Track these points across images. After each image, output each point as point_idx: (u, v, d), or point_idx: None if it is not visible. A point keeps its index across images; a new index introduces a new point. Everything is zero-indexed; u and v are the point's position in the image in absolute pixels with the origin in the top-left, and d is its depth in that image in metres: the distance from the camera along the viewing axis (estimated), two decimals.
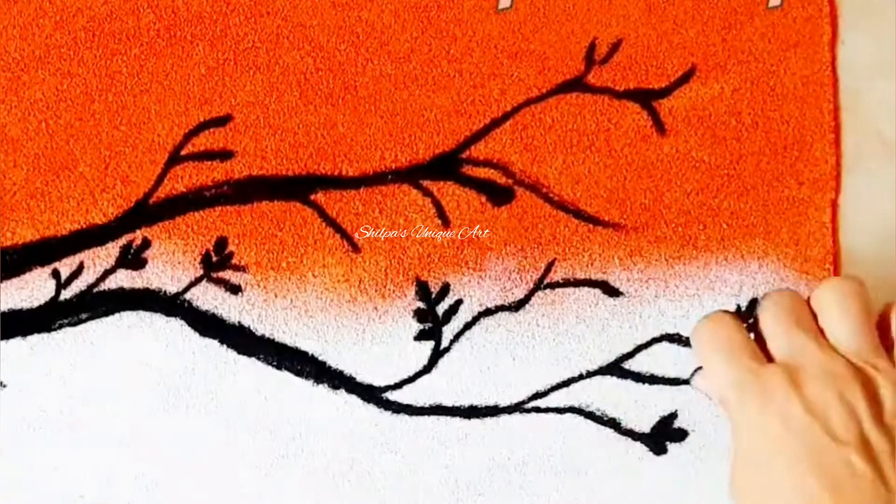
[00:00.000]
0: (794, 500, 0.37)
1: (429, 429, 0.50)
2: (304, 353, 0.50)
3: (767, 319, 0.44)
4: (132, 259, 0.50)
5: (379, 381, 0.50)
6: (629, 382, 0.51)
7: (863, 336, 0.42)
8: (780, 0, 0.52)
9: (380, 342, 0.50)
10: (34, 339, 0.49)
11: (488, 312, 0.51)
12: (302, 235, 0.50)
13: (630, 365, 0.51)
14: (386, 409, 0.50)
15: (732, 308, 0.51)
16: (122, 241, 0.50)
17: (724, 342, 0.44)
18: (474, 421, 0.50)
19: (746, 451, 0.41)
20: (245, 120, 0.50)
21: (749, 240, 0.51)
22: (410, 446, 0.50)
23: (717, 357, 0.44)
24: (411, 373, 0.50)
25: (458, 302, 0.51)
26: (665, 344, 0.51)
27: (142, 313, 0.50)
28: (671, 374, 0.51)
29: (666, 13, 0.51)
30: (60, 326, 0.49)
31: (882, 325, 0.44)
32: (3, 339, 0.49)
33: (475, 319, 0.51)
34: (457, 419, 0.50)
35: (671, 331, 0.51)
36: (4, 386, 0.49)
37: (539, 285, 0.51)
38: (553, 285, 0.51)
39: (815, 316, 0.44)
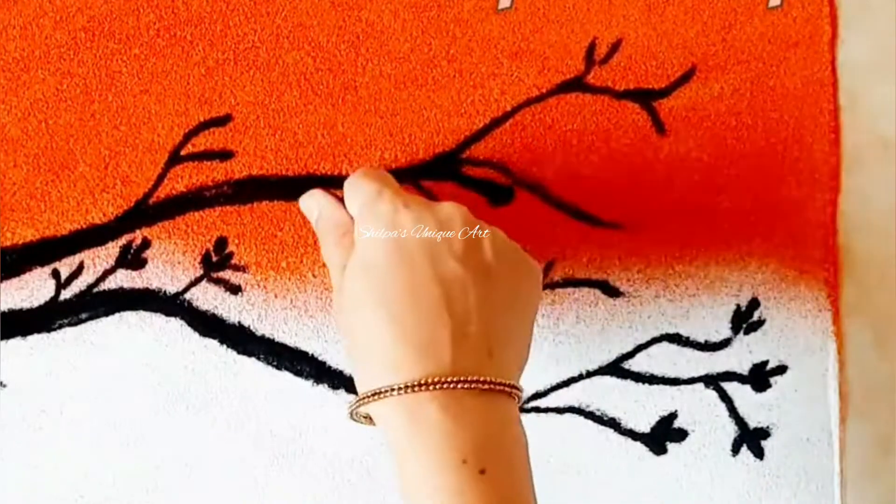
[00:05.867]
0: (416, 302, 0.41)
1: None
2: (304, 353, 0.50)
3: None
4: (132, 259, 0.50)
5: None
6: (629, 382, 0.51)
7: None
8: (780, 0, 0.52)
9: None
10: (34, 339, 0.49)
11: None
12: (302, 235, 0.50)
13: (630, 365, 0.51)
14: None
15: (732, 308, 0.51)
16: (122, 241, 0.50)
17: (379, 176, 0.45)
18: None
19: (367, 259, 0.42)
20: (245, 120, 0.50)
21: (749, 240, 0.51)
22: None
23: (367, 178, 0.44)
24: None
25: None
26: (665, 344, 0.51)
27: (142, 313, 0.50)
28: (671, 374, 0.51)
29: (666, 13, 0.51)
30: (60, 326, 0.49)
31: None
32: (3, 339, 0.49)
33: None
34: None
35: (671, 331, 0.51)
36: (4, 386, 0.49)
37: None
38: (553, 285, 0.51)
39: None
